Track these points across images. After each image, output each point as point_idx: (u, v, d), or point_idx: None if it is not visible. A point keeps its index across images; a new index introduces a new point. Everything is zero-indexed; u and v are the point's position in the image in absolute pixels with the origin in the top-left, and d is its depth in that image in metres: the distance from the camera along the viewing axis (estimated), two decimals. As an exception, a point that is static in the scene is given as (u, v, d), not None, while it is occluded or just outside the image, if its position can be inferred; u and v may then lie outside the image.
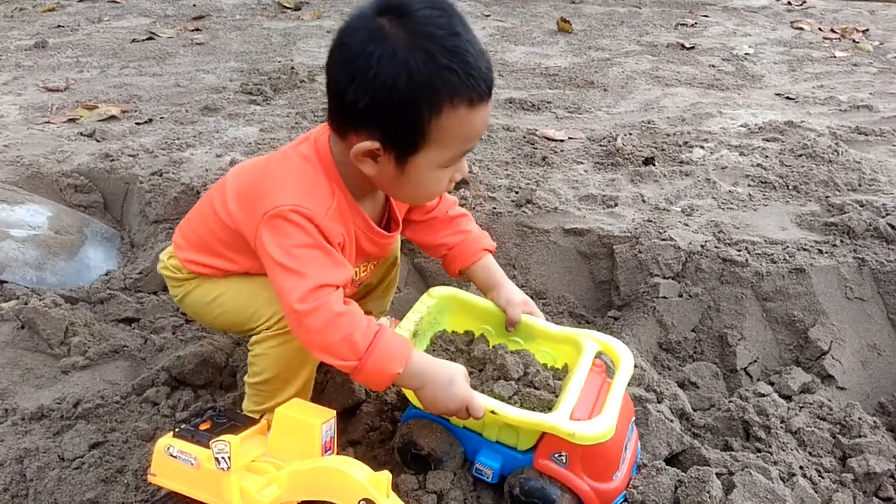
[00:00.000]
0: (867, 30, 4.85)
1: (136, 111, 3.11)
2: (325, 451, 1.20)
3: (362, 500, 1.09)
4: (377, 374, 1.20)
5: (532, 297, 2.04)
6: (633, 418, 1.41)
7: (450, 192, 1.53)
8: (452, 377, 1.24)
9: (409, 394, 1.30)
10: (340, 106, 1.20)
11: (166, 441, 1.21)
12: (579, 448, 1.24)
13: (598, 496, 1.28)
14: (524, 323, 1.48)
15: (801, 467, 1.47)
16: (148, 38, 4.35)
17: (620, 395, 1.31)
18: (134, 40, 4.32)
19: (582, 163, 2.63)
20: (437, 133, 1.17)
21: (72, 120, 2.98)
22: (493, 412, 1.24)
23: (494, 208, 2.17)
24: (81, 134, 2.81)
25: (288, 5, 5.35)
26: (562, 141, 2.82)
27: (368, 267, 1.51)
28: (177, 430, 1.22)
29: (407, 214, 1.50)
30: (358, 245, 1.36)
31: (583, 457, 1.26)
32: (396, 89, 1.13)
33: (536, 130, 2.89)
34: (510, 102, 3.32)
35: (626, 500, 1.34)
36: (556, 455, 1.27)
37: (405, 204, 1.45)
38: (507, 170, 2.52)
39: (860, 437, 1.55)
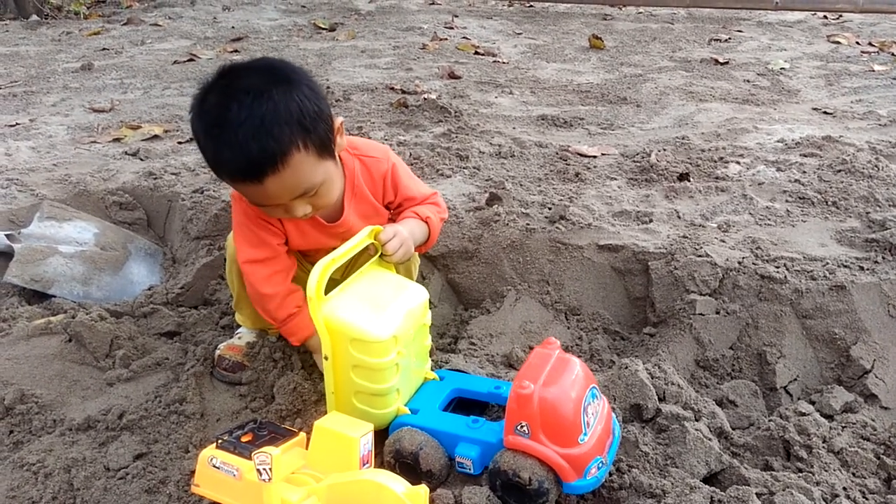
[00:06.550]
0: (907, 42, 4.77)
1: (177, 131, 3.20)
2: (363, 465, 1.22)
3: (400, 513, 1.11)
4: (287, 337, 1.69)
5: (566, 314, 2.06)
6: (595, 385, 1.39)
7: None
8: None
9: None
10: None
11: (209, 452, 1.25)
12: (537, 416, 1.27)
13: (568, 462, 1.29)
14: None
15: (844, 488, 1.43)
16: (189, 60, 4.48)
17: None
18: (175, 62, 4.45)
19: (615, 179, 2.62)
20: None
21: (117, 139, 3.08)
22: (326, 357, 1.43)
23: (528, 224, 2.18)
24: (126, 153, 2.90)
25: (323, 26, 5.47)
26: (595, 157, 2.82)
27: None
28: (219, 441, 1.25)
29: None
30: (302, 228, 1.61)
31: (542, 424, 1.28)
32: None
33: (569, 147, 2.90)
34: (542, 119, 3.34)
35: (600, 464, 1.33)
36: (518, 427, 1.30)
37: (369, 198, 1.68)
38: (540, 186, 2.53)
39: (906, 458, 1.52)
